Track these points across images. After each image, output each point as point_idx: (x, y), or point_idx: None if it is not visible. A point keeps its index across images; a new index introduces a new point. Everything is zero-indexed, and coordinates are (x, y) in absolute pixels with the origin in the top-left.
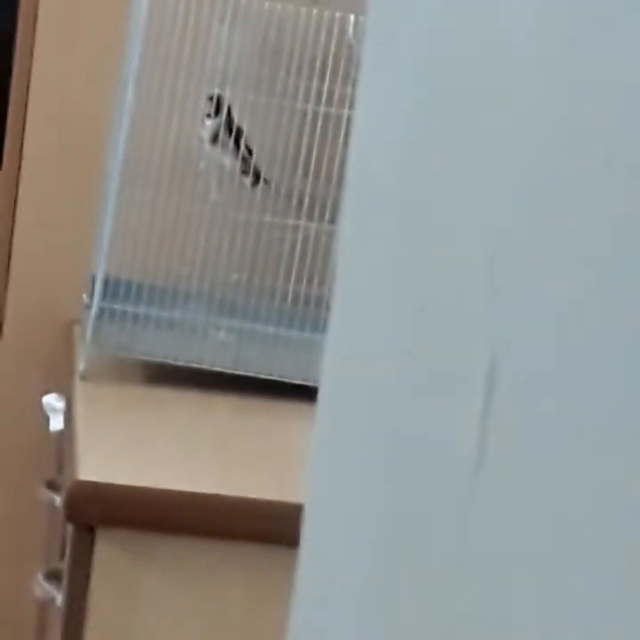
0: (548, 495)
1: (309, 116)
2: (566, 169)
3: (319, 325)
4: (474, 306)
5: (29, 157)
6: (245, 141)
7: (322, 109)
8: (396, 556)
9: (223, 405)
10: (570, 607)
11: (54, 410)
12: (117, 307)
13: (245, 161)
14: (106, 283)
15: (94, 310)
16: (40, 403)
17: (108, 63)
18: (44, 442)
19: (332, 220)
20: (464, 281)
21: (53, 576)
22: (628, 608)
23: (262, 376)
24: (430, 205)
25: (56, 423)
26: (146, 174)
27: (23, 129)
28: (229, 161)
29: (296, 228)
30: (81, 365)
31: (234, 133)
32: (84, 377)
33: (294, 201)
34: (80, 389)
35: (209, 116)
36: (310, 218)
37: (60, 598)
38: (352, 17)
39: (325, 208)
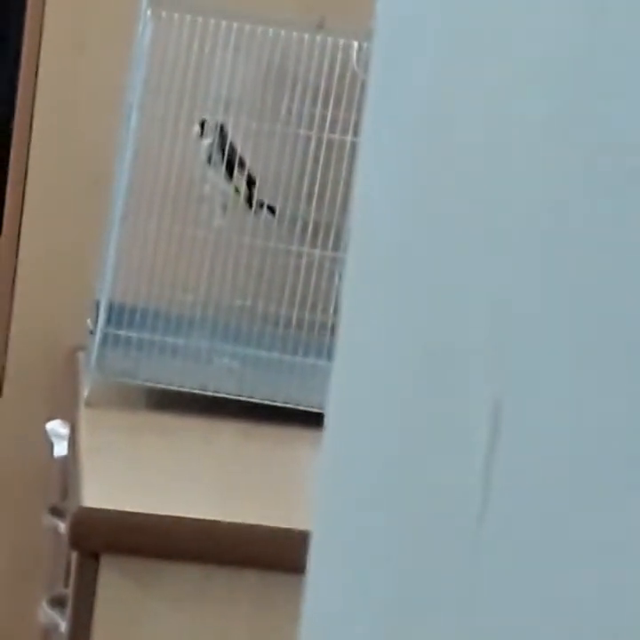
0: (551, 542)
1: (313, 143)
2: (571, 210)
3: (323, 351)
4: (477, 349)
5: (33, 183)
6: (249, 170)
7: (325, 136)
8: (404, 592)
9: (228, 431)
10: None
11: (58, 436)
12: (121, 333)
13: (249, 188)
14: (110, 309)
15: (98, 336)
16: (44, 429)
17: (112, 91)
18: (49, 468)
19: (336, 247)
20: (468, 323)
21: (57, 602)
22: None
23: (267, 402)
24: (436, 241)
25: (60, 449)
26: (150, 200)
27: (27, 156)
28: (222, 183)
29: (300, 254)
30: (85, 391)
31: (226, 154)
32: (88, 403)
33: (298, 227)
34: (84, 415)
35: (202, 136)
36: (314, 244)
37: (63, 625)
38: (356, 44)
39: (329, 234)
